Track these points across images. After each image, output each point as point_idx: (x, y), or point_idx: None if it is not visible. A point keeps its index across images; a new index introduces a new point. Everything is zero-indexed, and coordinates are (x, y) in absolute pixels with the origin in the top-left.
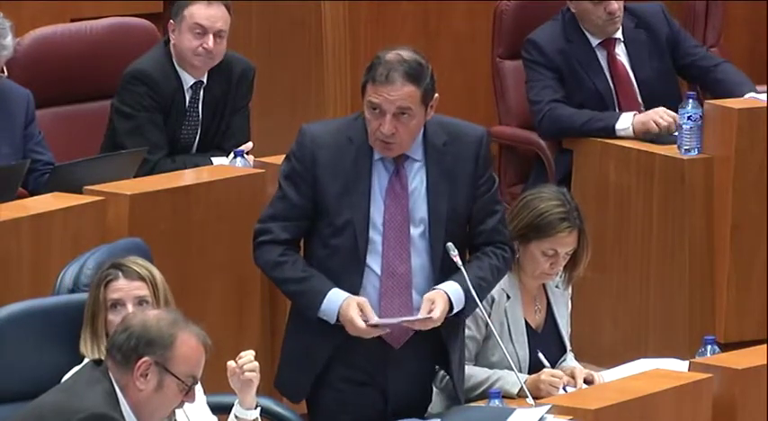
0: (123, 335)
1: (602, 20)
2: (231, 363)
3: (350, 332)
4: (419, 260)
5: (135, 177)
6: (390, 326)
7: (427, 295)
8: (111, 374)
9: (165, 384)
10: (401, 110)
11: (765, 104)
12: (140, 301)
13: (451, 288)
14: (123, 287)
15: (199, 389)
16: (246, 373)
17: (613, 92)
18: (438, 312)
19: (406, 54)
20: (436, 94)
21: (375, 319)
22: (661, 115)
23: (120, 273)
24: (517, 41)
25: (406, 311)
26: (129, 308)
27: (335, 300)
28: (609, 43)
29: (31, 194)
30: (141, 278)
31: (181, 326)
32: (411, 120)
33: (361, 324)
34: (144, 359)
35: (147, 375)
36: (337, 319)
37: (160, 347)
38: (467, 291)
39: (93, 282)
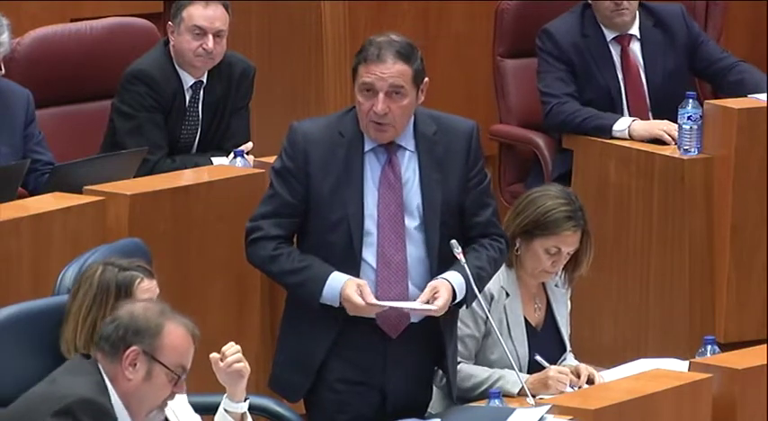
0: (111, 326)
1: (610, 11)
2: (214, 355)
3: (349, 312)
4: (415, 250)
5: (135, 177)
6: (390, 308)
7: (431, 283)
8: (100, 366)
9: (154, 374)
10: (394, 88)
11: (765, 104)
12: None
13: (454, 277)
14: (150, 287)
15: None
16: (234, 365)
17: (623, 90)
18: (441, 301)
19: (395, 36)
20: (426, 78)
21: (373, 300)
22: (667, 130)
23: (141, 274)
24: (518, 40)
25: (404, 301)
26: None
27: (336, 284)
28: (624, 39)
29: (31, 194)
30: (154, 276)
31: (168, 316)
32: (403, 99)
33: (359, 300)
34: (132, 348)
35: (135, 364)
36: (340, 303)
37: (148, 336)
38: (467, 282)
39: (104, 286)
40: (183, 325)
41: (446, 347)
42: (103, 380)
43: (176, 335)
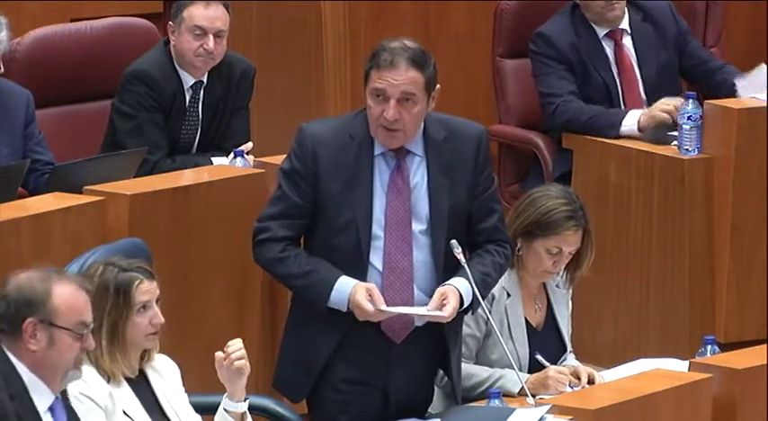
0: (3, 305)
1: (601, 8)
2: (219, 354)
3: (358, 317)
4: (421, 255)
5: (135, 177)
6: (398, 314)
7: (439, 289)
8: (4, 347)
9: (57, 338)
10: (405, 95)
11: (765, 104)
12: (158, 300)
13: (461, 284)
14: (150, 289)
15: (180, 388)
16: (235, 362)
17: (618, 84)
18: (450, 308)
19: (409, 43)
20: (438, 86)
21: (383, 306)
22: (663, 106)
23: (141, 275)
24: (518, 41)
25: (410, 306)
26: (155, 308)
27: (344, 289)
28: (616, 34)
29: (31, 194)
30: (154, 277)
31: (54, 279)
32: (414, 106)
33: (369, 307)
34: (28, 320)
35: (36, 335)
36: (348, 307)
37: (39, 304)
38: (473, 288)
39: (103, 287)
40: (72, 282)
41: (450, 352)
42: (8, 360)
43: (66, 294)
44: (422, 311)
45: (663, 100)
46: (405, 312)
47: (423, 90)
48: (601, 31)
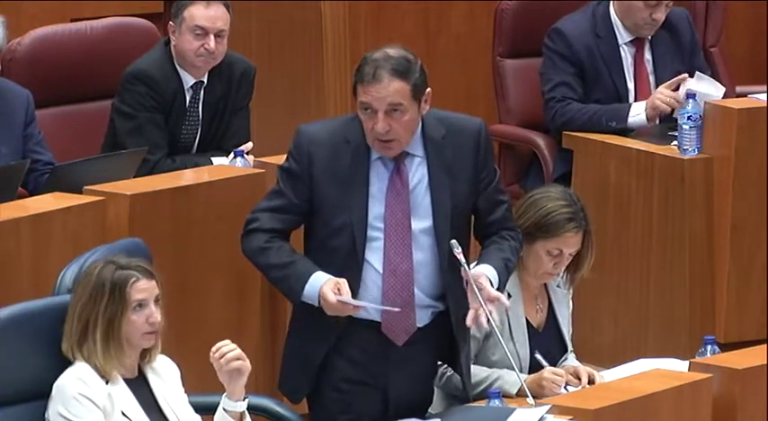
0: None
1: (643, 21)
2: (214, 356)
3: (327, 311)
4: (422, 256)
5: (135, 177)
6: (365, 308)
7: (473, 271)
8: None
9: None
10: (392, 106)
11: (765, 104)
12: (156, 299)
13: (488, 270)
14: (147, 287)
15: (179, 388)
16: (233, 363)
17: (630, 91)
18: (493, 290)
19: (392, 51)
20: (428, 89)
21: (347, 298)
22: (661, 96)
23: (138, 274)
24: (518, 41)
25: (409, 309)
26: (152, 307)
27: (316, 283)
28: (639, 42)
29: (31, 194)
30: (154, 277)
31: None
32: (403, 116)
33: (332, 298)
34: None
35: None
36: (319, 302)
37: None
38: (500, 274)
39: (100, 284)
40: None
41: (459, 349)
42: None
43: None
44: (381, 307)
45: (660, 91)
46: (367, 306)
47: (410, 98)
48: (624, 37)
